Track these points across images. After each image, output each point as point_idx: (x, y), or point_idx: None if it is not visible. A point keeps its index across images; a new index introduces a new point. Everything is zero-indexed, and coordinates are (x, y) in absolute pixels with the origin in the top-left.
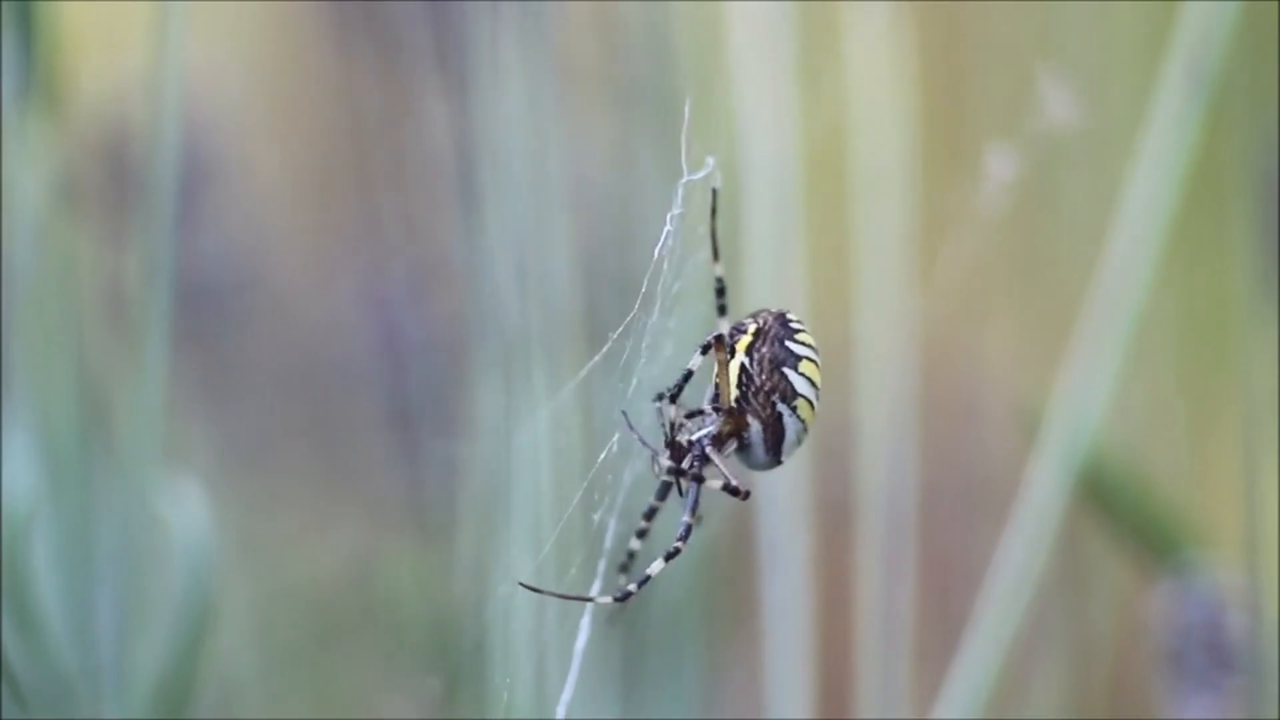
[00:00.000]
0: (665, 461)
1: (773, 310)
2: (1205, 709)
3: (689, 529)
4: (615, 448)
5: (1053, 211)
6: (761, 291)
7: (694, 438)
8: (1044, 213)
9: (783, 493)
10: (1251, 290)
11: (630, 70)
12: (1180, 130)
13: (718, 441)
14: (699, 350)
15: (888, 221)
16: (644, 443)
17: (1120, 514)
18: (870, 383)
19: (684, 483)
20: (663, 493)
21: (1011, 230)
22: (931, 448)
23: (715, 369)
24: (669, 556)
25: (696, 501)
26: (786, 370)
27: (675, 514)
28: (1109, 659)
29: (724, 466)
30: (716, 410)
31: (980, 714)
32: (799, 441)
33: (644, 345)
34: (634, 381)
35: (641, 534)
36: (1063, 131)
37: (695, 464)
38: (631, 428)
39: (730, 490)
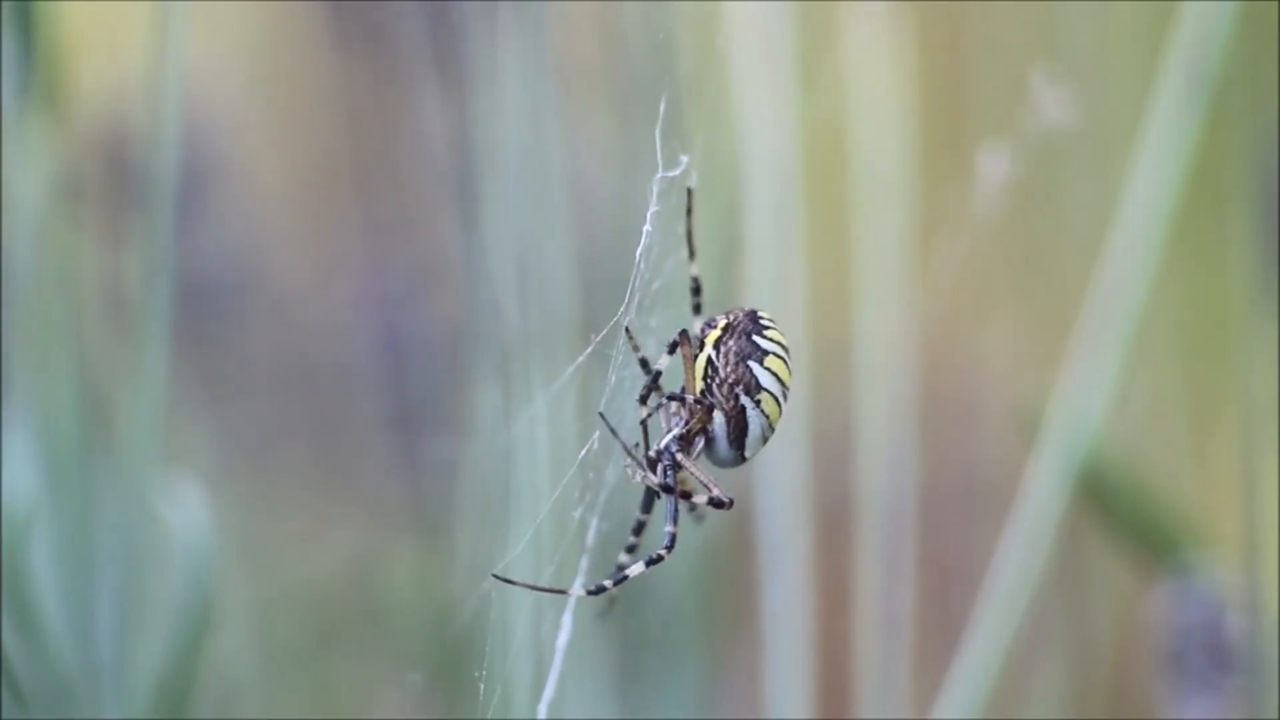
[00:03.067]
0: (649, 478)
1: (745, 308)
2: (1205, 709)
3: (673, 538)
4: (596, 445)
5: (1052, 211)
6: (762, 291)
7: (660, 446)
8: (1044, 213)
9: (783, 493)
10: (1251, 290)
11: (629, 70)
12: (1180, 130)
13: (685, 443)
14: (666, 350)
15: (887, 221)
16: (625, 449)
17: (1120, 514)
18: (870, 383)
19: (664, 493)
20: (647, 505)
21: (1011, 230)
22: (931, 448)
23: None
24: (650, 562)
25: (677, 511)
26: (751, 364)
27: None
28: (1109, 659)
29: (700, 475)
30: (680, 401)
31: (980, 714)
32: (764, 439)
33: (620, 343)
34: (612, 379)
35: (631, 549)
36: (1062, 131)
37: (668, 473)
38: (614, 433)
39: (714, 503)
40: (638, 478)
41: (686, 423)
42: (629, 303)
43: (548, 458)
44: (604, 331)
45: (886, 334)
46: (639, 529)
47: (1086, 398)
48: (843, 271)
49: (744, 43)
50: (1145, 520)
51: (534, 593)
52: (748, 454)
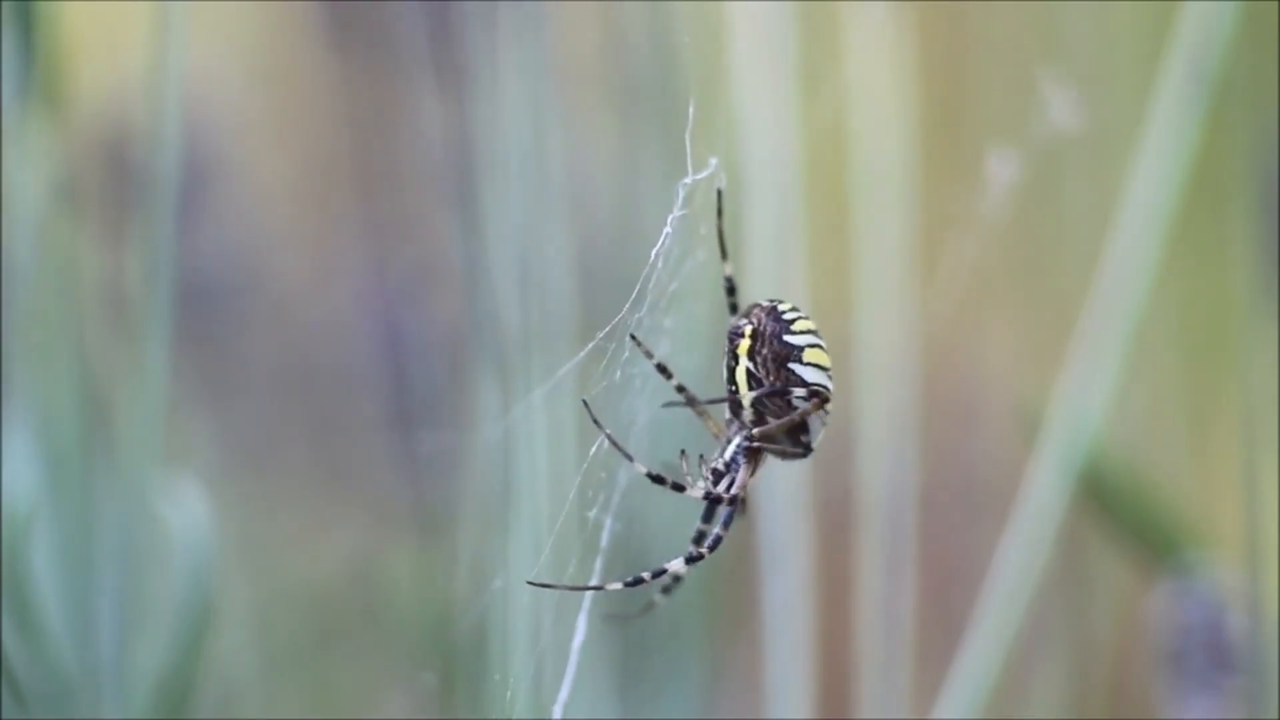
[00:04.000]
0: (711, 488)
1: (763, 305)
2: (1205, 709)
3: (719, 540)
4: (606, 444)
5: (1053, 213)
6: (763, 293)
7: (728, 458)
8: (1044, 214)
9: (784, 494)
10: (1251, 290)
11: (630, 70)
12: (1180, 131)
13: (752, 456)
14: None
15: (889, 223)
16: (624, 452)
17: (1120, 514)
18: (871, 384)
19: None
20: (708, 515)
21: (1012, 232)
22: (932, 449)
23: (724, 375)
24: (690, 560)
25: (731, 517)
26: (793, 365)
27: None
28: (1109, 659)
29: (744, 476)
30: (739, 419)
31: (980, 714)
32: (823, 424)
33: (626, 342)
34: (617, 375)
35: (692, 560)
36: (1063, 133)
37: (732, 485)
38: (610, 434)
39: (712, 499)
40: (695, 481)
41: (750, 445)
42: (635, 299)
43: (547, 457)
44: (608, 327)
45: (888, 335)
46: (700, 539)
47: (1087, 398)
48: (844, 272)
49: (746, 44)
50: (1145, 520)
51: (540, 594)
52: (813, 445)
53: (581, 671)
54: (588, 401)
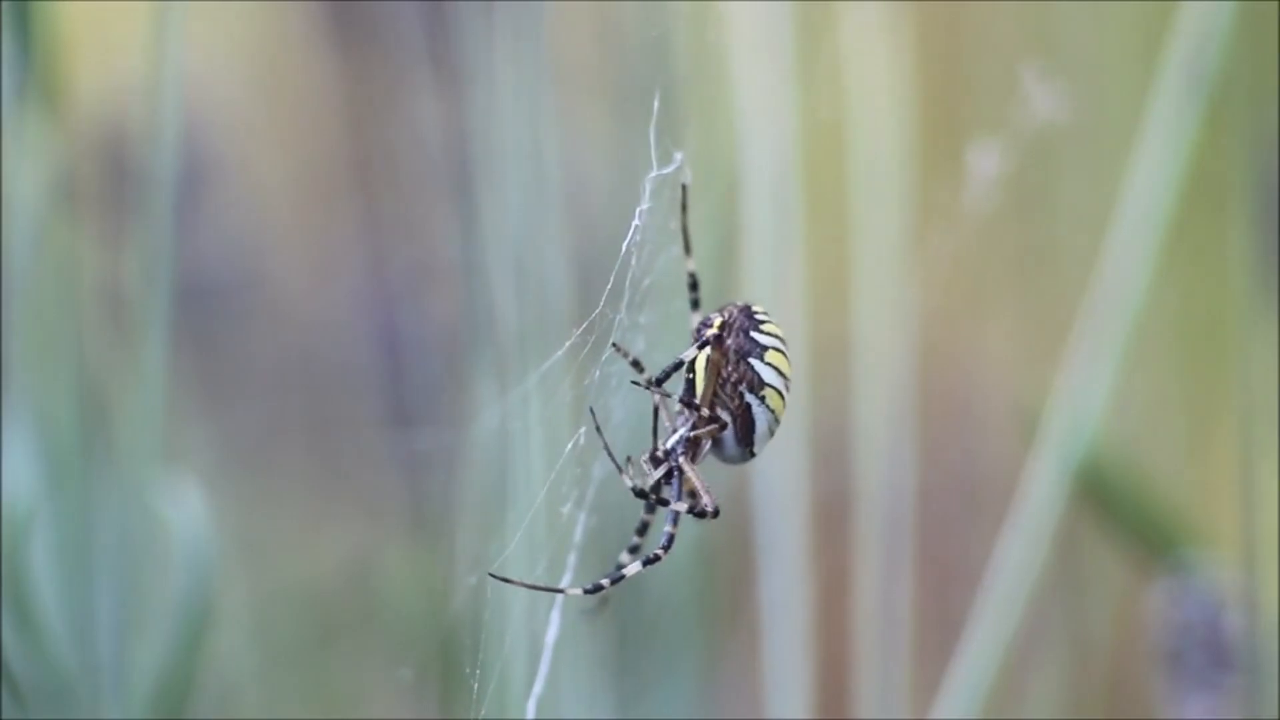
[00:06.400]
0: (649, 474)
1: (738, 304)
2: (1204, 708)
3: (671, 539)
4: (581, 440)
5: (1052, 211)
6: (760, 290)
7: (668, 446)
8: (1043, 212)
9: (781, 490)
10: (1251, 290)
11: (627, 69)
12: (1179, 129)
13: (692, 446)
14: (695, 346)
15: (886, 219)
16: (609, 452)
17: (1119, 514)
18: (869, 382)
19: (663, 493)
20: (651, 505)
21: (1010, 229)
22: (930, 447)
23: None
24: (648, 562)
25: (678, 512)
26: (752, 360)
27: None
28: (1108, 659)
29: (697, 480)
30: (691, 407)
31: (980, 714)
32: (770, 433)
33: (610, 340)
34: (596, 374)
35: (634, 549)
36: (1061, 128)
37: (673, 476)
38: (600, 429)
39: (696, 513)
40: (640, 477)
41: (694, 426)
42: (608, 295)
43: (541, 453)
44: (584, 325)
45: (884, 331)
46: (643, 529)
47: (1085, 396)
48: (840, 268)
49: (740, 39)
50: (1144, 518)
51: (523, 590)
52: (756, 450)
53: (576, 668)
54: (594, 410)
